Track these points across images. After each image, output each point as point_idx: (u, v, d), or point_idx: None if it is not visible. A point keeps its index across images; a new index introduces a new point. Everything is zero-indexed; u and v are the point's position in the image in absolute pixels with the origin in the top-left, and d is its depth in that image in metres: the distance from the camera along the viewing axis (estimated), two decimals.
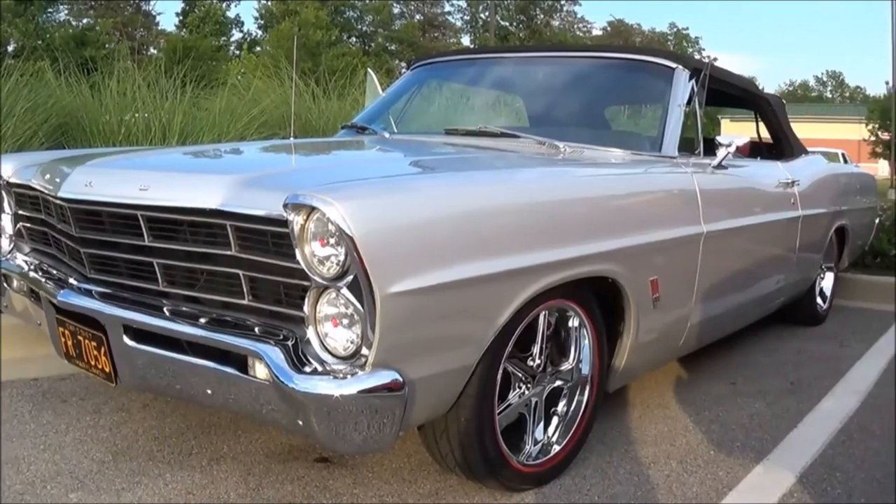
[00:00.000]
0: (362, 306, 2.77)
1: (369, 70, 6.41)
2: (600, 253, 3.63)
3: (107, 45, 43.28)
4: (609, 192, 3.93)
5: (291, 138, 7.20)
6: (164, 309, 3.34)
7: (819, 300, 7.26)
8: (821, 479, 3.89)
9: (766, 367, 5.82)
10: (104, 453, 3.91)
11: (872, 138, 49.96)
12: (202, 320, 3.21)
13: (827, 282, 7.48)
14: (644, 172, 4.38)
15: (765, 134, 6.91)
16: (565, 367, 3.83)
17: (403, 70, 6.18)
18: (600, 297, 3.83)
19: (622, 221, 3.90)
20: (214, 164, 4.11)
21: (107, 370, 3.45)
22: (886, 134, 48.54)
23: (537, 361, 3.64)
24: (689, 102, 4.77)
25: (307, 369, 2.87)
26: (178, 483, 3.61)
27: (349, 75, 11.32)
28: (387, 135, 5.10)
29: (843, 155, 25.49)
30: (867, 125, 53.11)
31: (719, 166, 4.74)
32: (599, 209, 3.81)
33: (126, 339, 3.33)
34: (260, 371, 2.93)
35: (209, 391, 3.14)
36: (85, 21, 57.32)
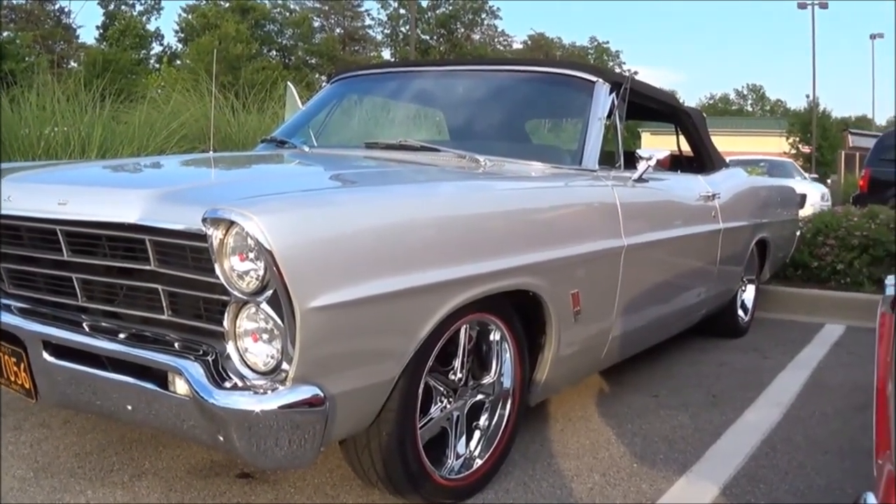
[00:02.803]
0: (282, 321, 2.78)
1: (289, 83, 6.43)
2: (521, 266, 3.67)
3: (26, 59, 42.65)
4: (529, 205, 3.97)
5: (211, 152, 7.18)
6: (84, 324, 3.35)
7: (741, 312, 7.38)
8: (744, 490, 3.94)
9: (688, 379, 5.90)
10: (25, 470, 3.89)
11: (793, 151, 50.67)
12: (122, 336, 3.22)
13: (748, 294, 7.59)
14: (564, 186, 4.43)
15: (685, 147, 7.00)
16: (487, 380, 3.85)
17: (323, 83, 6.19)
18: (521, 311, 3.87)
19: (542, 235, 3.93)
20: (133, 179, 4.09)
21: (27, 386, 3.43)
22: (807, 147, 49.36)
23: (459, 375, 3.67)
24: (609, 116, 4.83)
25: (227, 385, 2.88)
26: (99, 500, 3.60)
27: (269, 89, 11.33)
28: (306, 149, 5.10)
29: (793, 165, 25.84)
30: (788, 138, 53.90)
31: (640, 179, 4.79)
32: (520, 222, 3.84)
33: (46, 355, 3.32)
34: (180, 387, 2.94)
35: (129, 407, 3.14)
36: (5, 34, 56.47)
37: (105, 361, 3.17)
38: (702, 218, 5.78)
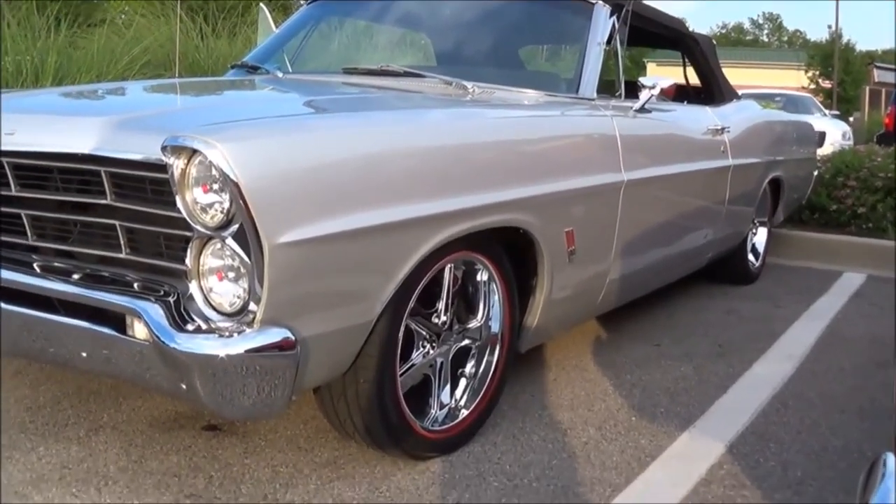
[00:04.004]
0: (249, 258, 2.77)
1: (262, 5, 6.38)
2: (511, 201, 3.67)
3: None
4: (521, 135, 3.96)
5: (176, 78, 7.15)
6: (35, 265, 3.31)
7: (751, 257, 7.40)
8: (753, 449, 3.93)
9: (692, 327, 5.91)
10: None
11: (813, 86, 50.54)
12: (76, 276, 3.19)
13: (760, 238, 7.60)
14: (560, 115, 4.42)
15: (693, 78, 6.97)
16: (473, 324, 3.86)
17: (301, 3, 6.14)
18: (511, 250, 3.88)
19: (535, 167, 3.93)
20: (89, 106, 4.07)
21: None
22: (828, 82, 49.20)
23: (443, 318, 3.67)
24: (609, 41, 4.80)
25: (190, 327, 2.87)
26: (52, 457, 3.59)
27: (241, 13, 11.24)
28: (280, 74, 5.07)
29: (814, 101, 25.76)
30: (807, 72, 53.71)
31: (642, 110, 4.79)
32: (510, 154, 3.83)
33: None
34: (139, 330, 2.93)
35: (84, 354, 3.12)
36: None
37: (58, 305, 3.15)
38: (709, 153, 5.78)
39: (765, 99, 20.38)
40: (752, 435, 4.11)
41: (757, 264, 7.53)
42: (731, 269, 7.16)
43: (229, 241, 2.81)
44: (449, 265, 3.59)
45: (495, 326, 3.92)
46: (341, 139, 3.12)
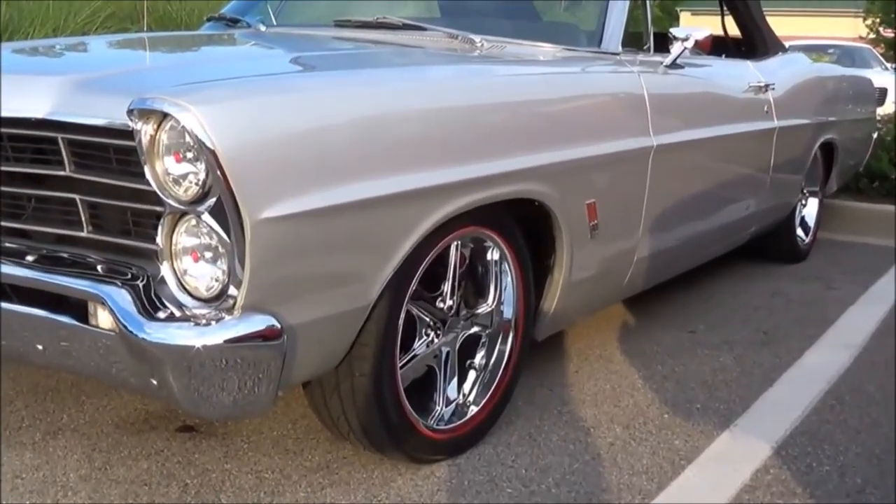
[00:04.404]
0: (228, 236, 2.76)
1: None
2: (525, 170, 3.66)
3: None
4: (536, 95, 3.95)
5: (144, 32, 7.13)
6: None
7: (800, 232, 7.38)
8: (804, 451, 3.93)
9: (733, 312, 5.92)
10: None
11: (872, 36, 50.32)
12: (30, 258, 3.17)
13: (810, 209, 7.56)
14: (580, 72, 4.41)
15: (732, 28, 6.94)
16: (483, 309, 3.87)
17: None
18: (526, 225, 3.89)
19: (552, 131, 3.92)
20: (44, 64, 4.04)
21: None
22: (889, 31, 48.98)
23: (449, 303, 3.67)
24: None
25: (161, 315, 2.86)
26: (3, 465, 3.58)
27: None
28: (263, 28, 5.05)
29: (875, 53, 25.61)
30: (865, 20, 53.43)
31: (673, 65, 4.77)
32: (524, 116, 3.82)
33: None
34: (103, 319, 2.92)
35: (40, 347, 3.12)
36: None
37: (9, 291, 3.13)
38: (751, 113, 5.77)
39: (816, 51, 20.33)
40: (802, 435, 4.09)
41: (807, 240, 7.49)
42: (776, 245, 7.14)
43: (206, 216, 2.78)
44: (455, 242, 3.59)
45: (508, 311, 3.92)
46: (333, 101, 3.12)
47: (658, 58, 4.77)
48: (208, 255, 2.87)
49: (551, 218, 3.88)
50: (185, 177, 2.80)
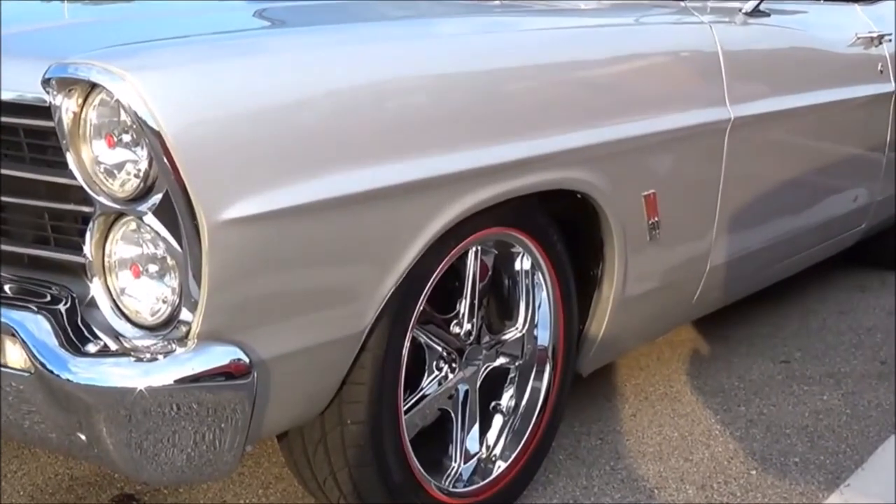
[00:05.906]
0: (179, 243, 2.67)
1: None
2: (562, 152, 3.55)
3: None
4: (575, 56, 3.86)
5: None
6: None
7: None
8: None
9: (838, 336, 5.87)
10: None
11: None
12: None
13: None
14: (633, 24, 4.35)
15: None
16: (511, 335, 3.82)
17: None
18: (565, 225, 3.79)
19: (597, 104, 3.84)
20: None
21: None
22: None
23: (466, 327, 3.60)
24: None
25: (91, 348, 2.76)
26: None
27: None
28: None
29: None
30: None
31: (756, 12, 4.68)
32: (560, 84, 3.73)
33: None
34: (13, 356, 2.83)
35: None
36: None
37: None
38: (860, 74, 5.71)
39: None
40: None
41: None
42: (894, 248, 7.04)
43: (149, 217, 2.70)
44: (474, 248, 3.53)
45: (543, 337, 3.86)
46: (313, 66, 3.01)
47: (735, 3, 4.68)
48: (153, 268, 2.80)
49: (598, 215, 3.80)
50: (121, 167, 2.72)
